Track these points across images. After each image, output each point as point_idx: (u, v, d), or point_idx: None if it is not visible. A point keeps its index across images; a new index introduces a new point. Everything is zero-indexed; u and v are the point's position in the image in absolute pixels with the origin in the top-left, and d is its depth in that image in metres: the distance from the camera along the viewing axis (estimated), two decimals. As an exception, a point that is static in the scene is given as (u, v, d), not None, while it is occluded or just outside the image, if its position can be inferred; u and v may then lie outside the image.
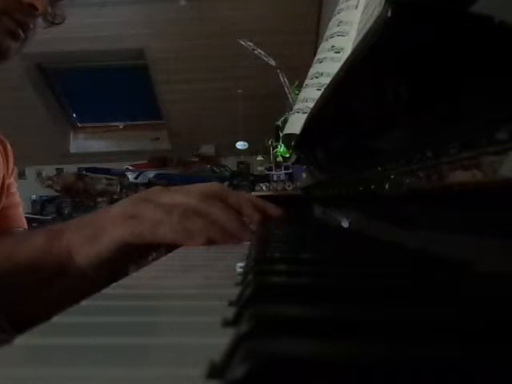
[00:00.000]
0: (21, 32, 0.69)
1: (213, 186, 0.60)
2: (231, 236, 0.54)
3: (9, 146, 0.91)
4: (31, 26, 0.70)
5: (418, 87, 0.37)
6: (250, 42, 2.60)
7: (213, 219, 0.54)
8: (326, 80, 0.83)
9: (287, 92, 2.25)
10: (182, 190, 0.57)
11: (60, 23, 0.76)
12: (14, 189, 0.90)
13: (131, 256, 0.57)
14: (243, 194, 0.68)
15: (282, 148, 2.66)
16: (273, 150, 2.96)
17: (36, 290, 0.57)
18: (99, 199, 4.65)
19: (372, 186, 0.49)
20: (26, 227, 0.90)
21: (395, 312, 0.18)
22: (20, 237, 0.62)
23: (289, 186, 2.48)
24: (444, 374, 0.12)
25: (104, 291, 0.29)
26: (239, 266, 0.36)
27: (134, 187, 4.31)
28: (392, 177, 0.43)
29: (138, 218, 0.54)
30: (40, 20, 0.72)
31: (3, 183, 0.86)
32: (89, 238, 0.54)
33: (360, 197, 0.56)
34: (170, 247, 0.58)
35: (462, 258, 0.31)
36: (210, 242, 0.53)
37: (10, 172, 0.90)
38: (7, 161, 0.89)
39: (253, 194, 2.32)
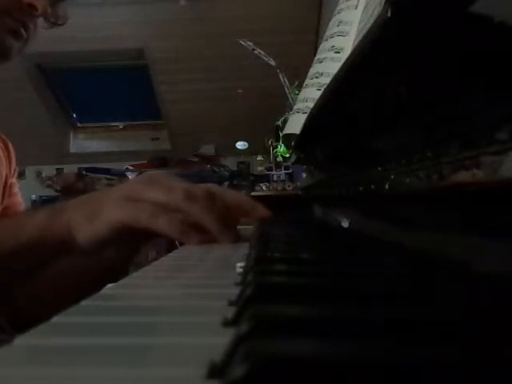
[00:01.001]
0: (23, 31, 0.69)
1: (212, 184, 0.62)
2: (225, 231, 0.55)
3: (11, 146, 0.91)
4: (31, 26, 0.70)
5: (418, 87, 0.37)
6: (250, 42, 2.60)
7: (211, 209, 0.55)
8: (326, 80, 0.83)
9: (287, 92, 2.25)
10: (184, 180, 0.59)
11: (62, 24, 0.76)
12: (16, 189, 0.90)
13: (130, 239, 0.58)
14: (238, 193, 0.70)
15: (282, 148, 2.66)
16: (273, 149, 2.95)
17: (39, 268, 0.58)
18: (99, 199, 4.63)
19: (372, 186, 0.49)
20: None
21: (395, 312, 0.18)
22: (23, 215, 0.63)
23: (289, 186, 2.48)
24: (443, 374, 0.12)
25: (104, 291, 0.29)
26: (239, 265, 0.36)
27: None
28: (392, 177, 0.43)
29: (138, 202, 0.54)
30: (42, 21, 0.72)
31: (6, 183, 0.86)
32: (88, 216, 0.55)
33: (360, 197, 0.56)
34: (170, 247, 0.58)
35: (461, 257, 0.31)
36: (205, 241, 0.54)
37: (12, 172, 0.90)
38: (9, 160, 0.90)
39: (252, 194, 2.32)
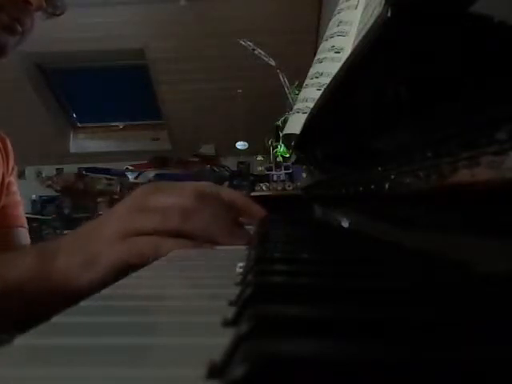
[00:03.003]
0: (18, 26, 0.68)
1: (205, 184, 0.58)
2: (231, 236, 0.54)
3: (9, 144, 0.90)
4: (27, 21, 0.69)
5: (418, 87, 0.37)
6: (250, 42, 2.60)
7: (211, 219, 0.53)
8: (326, 80, 0.83)
9: (287, 92, 2.25)
10: (174, 189, 0.55)
11: (60, 14, 0.74)
12: (14, 188, 0.89)
13: (134, 269, 0.55)
14: (234, 191, 0.66)
15: (281, 148, 2.66)
16: (273, 149, 2.95)
17: (24, 313, 0.53)
18: (99, 199, 4.65)
19: (372, 186, 0.49)
20: (27, 227, 0.89)
21: (395, 312, 0.18)
22: (6, 257, 0.57)
23: (289, 186, 2.48)
24: (444, 374, 0.12)
25: (104, 291, 0.29)
26: (239, 265, 0.36)
27: (134, 187, 4.30)
28: (392, 177, 0.43)
29: (135, 235, 0.51)
30: (39, 13, 0.71)
31: (3, 181, 0.85)
32: (85, 262, 0.52)
33: (360, 197, 0.56)
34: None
35: (462, 257, 0.31)
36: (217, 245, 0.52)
37: (10, 170, 0.89)
38: (7, 159, 0.88)
39: (252, 194, 2.32)
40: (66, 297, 0.52)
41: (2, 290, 0.52)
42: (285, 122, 2.01)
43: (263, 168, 3.33)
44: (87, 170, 4.74)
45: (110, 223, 0.54)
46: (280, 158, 2.78)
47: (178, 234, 0.52)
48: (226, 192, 0.59)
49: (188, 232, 0.52)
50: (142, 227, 0.52)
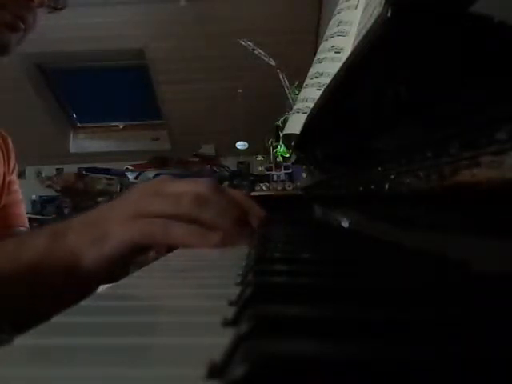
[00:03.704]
0: (20, 24, 0.68)
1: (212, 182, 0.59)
2: (235, 234, 0.54)
3: (10, 143, 0.90)
4: (30, 18, 0.69)
5: (418, 87, 0.37)
6: (250, 42, 2.60)
7: (223, 210, 0.53)
8: (326, 80, 0.83)
9: (287, 92, 2.25)
10: (189, 180, 0.56)
11: (62, 8, 0.74)
12: (16, 186, 0.89)
13: (139, 253, 0.55)
14: (236, 191, 0.66)
15: (282, 148, 2.66)
16: (273, 149, 2.95)
17: (39, 294, 0.54)
18: (99, 199, 4.65)
19: (372, 186, 0.49)
20: (28, 226, 0.89)
21: (395, 312, 0.18)
22: (21, 238, 0.58)
23: (289, 186, 2.48)
24: (443, 374, 0.12)
25: (104, 291, 0.29)
26: (239, 265, 0.36)
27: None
28: (392, 177, 0.43)
29: (147, 217, 0.52)
30: (42, 9, 0.70)
31: (4, 180, 0.85)
32: (94, 239, 0.52)
33: (360, 197, 0.56)
34: (170, 246, 0.57)
35: (461, 258, 0.31)
36: (223, 243, 0.52)
37: (11, 169, 0.89)
38: (8, 157, 0.88)
39: (252, 194, 2.32)
40: (76, 276, 0.52)
41: (15, 270, 0.52)
42: (285, 122, 2.01)
43: (263, 168, 3.33)
44: (87, 169, 4.74)
45: (122, 205, 0.55)
46: (280, 158, 2.78)
47: (189, 222, 0.52)
48: (230, 192, 0.59)
49: (199, 219, 0.52)
50: (154, 210, 0.52)
